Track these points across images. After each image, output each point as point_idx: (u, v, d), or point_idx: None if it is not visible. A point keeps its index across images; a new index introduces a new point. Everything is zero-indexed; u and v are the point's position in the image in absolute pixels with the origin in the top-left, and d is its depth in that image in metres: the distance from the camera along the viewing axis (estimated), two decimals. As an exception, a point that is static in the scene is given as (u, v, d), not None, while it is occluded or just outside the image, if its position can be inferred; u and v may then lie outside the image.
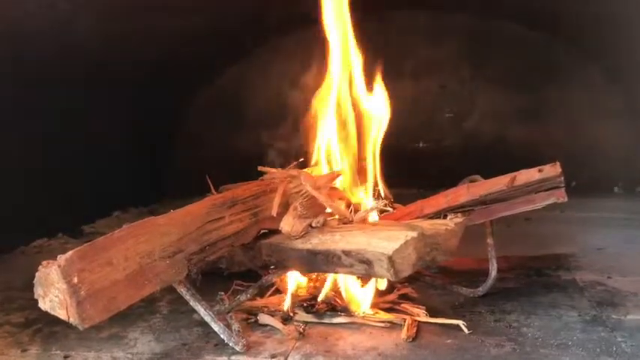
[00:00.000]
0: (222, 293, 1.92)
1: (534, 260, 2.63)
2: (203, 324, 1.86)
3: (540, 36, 4.24)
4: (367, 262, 1.62)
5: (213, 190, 2.25)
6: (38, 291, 1.42)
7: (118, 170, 3.81)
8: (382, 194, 2.24)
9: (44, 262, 1.41)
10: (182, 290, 1.72)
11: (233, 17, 3.66)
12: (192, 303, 1.73)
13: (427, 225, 1.73)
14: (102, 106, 3.62)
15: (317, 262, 1.78)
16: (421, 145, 4.51)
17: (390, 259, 1.56)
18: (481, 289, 2.15)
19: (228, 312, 1.86)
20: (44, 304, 1.42)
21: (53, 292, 1.40)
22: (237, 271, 2.24)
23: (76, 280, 1.39)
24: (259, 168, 2.20)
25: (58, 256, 1.41)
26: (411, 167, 3.98)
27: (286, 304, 2.01)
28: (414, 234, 1.62)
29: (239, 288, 2.19)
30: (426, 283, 2.26)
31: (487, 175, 2.32)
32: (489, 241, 2.17)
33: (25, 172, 3.12)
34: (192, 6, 3.38)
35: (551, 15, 3.86)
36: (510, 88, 4.39)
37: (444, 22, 4.40)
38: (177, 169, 4.59)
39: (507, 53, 4.33)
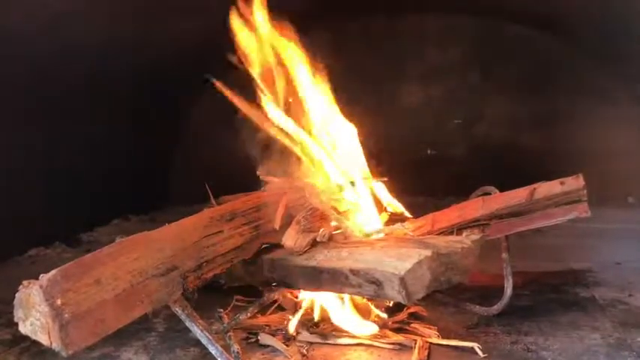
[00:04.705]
0: (221, 310, 1.80)
1: (550, 276, 2.50)
2: (200, 343, 1.70)
3: (553, 40, 4.11)
4: (377, 283, 1.50)
5: (212, 200, 2.15)
6: (18, 313, 1.30)
7: (117, 176, 3.69)
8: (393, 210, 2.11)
9: (25, 282, 1.30)
10: (177, 309, 1.59)
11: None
12: (187, 324, 1.61)
13: (441, 242, 1.60)
14: (101, 111, 3.51)
15: (322, 281, 1.66)
16: (429, 152, 4.39)
17: (402, 280, 1.43)
18: (496, 308, 2.02)
19: (227, 332, 1.75)
20: (25, 328, 1.30)
21: (34, 314, 1.28)
22: (236, 285, 2.14)
23: (59, 301, 1.27)
24: (261, 177, 2.09)
25: (41, 276, 1.29)
26: (419, 175, 3.85)
27: (292, 326, 1.87)
28: (428, 252, 1.50)
29: (239, 304, 2.10)
30: (436, 300, 2.14)
31: (497, 184, 2.20)
32: (504, 256, 2.04)
33: (20, 176, 3.00)
34: (194, 8, 3.29)
35: (564, 19, 3.74)
36: (521, 94, 4.25)
37: (453, 25, 4.28)
38: (178, 174, 4.46)
39: (518, 58, 4.20)
